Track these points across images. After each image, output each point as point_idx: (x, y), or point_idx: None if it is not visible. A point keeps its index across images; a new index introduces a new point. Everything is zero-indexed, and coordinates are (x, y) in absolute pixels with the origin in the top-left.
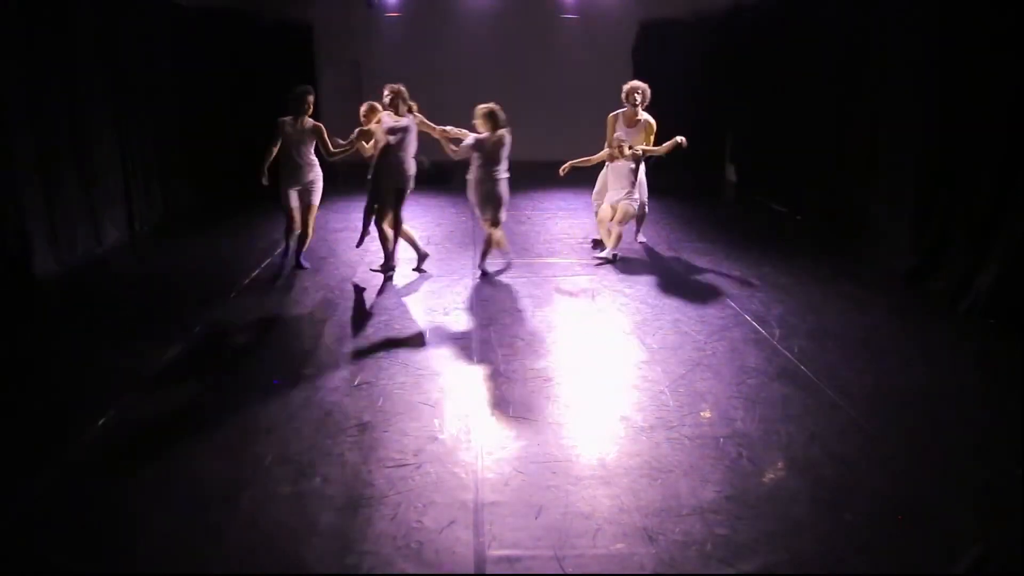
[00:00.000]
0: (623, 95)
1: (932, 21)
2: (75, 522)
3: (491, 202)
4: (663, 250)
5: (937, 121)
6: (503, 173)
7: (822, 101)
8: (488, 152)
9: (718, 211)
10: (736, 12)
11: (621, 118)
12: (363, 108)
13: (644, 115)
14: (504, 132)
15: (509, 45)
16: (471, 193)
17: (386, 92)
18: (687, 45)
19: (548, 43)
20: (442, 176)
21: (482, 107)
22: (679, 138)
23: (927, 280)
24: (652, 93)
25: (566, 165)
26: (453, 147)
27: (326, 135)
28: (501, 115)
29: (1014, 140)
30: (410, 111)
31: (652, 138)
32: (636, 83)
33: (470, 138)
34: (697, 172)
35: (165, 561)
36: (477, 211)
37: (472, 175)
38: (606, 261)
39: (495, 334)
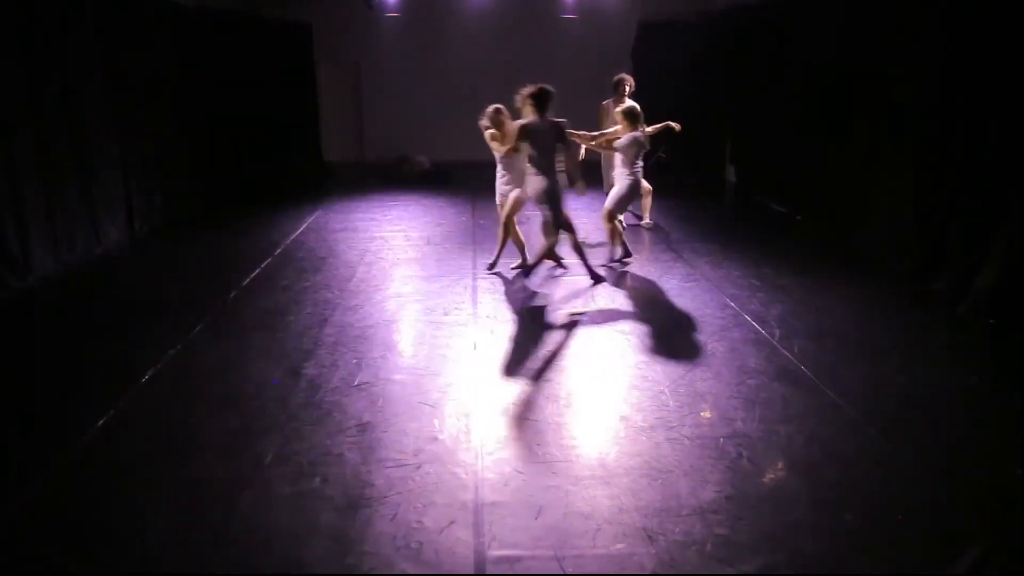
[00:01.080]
0: (614, 85)
1: (932, 20)
2: (75, 522)
3: (638, 195)
4: (663, 250)
5: (937, 121)
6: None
7: (822, 101)
8: (640, 148)
9: (718, 211)
10: (736, 12)
11: (611, 105)
12: (490, 111)
13: (630, 102)
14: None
15: (509, 45)
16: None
17: (525, 95)
18: (687, 45)
19: (548, 43)
20: (442, 176)
21: (626, 106)
22: (672, 123)
23: (927, 280)
24: (652, 93)
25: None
26: (612, 146)
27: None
28: (640, 113)
29: (1014, 140)
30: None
31: None
32: (624, 75)
33: (628, 136)
34: (697, 172)
35: (165, 561)
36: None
37: (622, 170)
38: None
39: (495, 334)
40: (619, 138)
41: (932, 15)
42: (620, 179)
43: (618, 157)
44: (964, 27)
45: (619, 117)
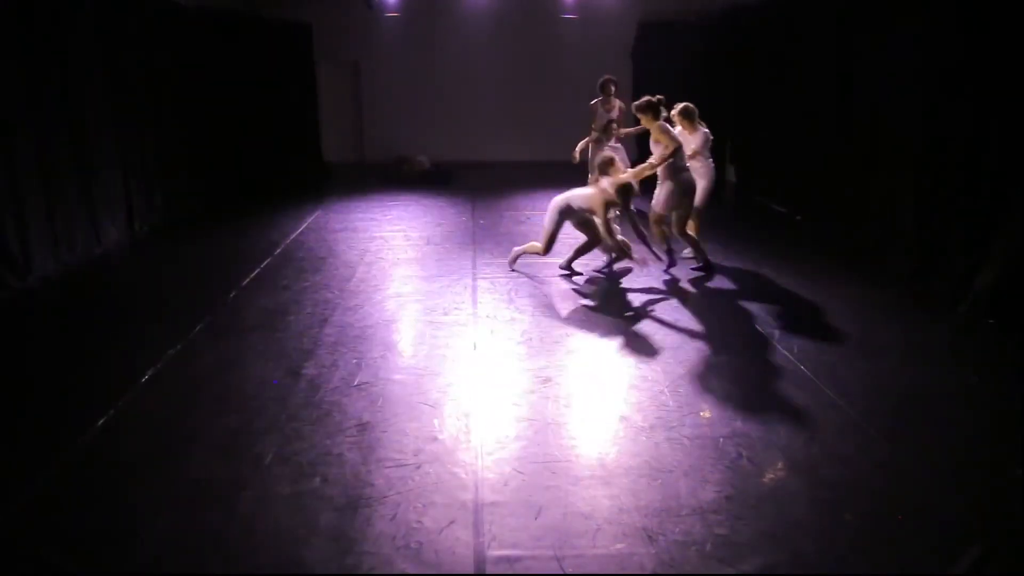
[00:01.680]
0: (600, 86)
1: (932, 21)
2: (75, 522)
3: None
4: (663, 250)
5: (937, 121)
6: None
7: (822, 101)
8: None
9: (718, 211)
10: (736, 12)
11: (599, 106)
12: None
13: (617, 101)
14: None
15: (509, 45)
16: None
17: (680, 107)
18: (687, 45)
19: (548, 43)
20: (442, 176)
21: (682, 107)
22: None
23: (927, 280)
24: (651, 93)
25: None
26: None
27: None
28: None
29: (1014, 140)
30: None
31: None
32: (609, 76)
33: (701, 136)
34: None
35: (165, 561)
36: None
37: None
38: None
39: (495, 334)
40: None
41: (932, 15)
42: (700, 176)
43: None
44: (964, 26)
45: (678, 119)
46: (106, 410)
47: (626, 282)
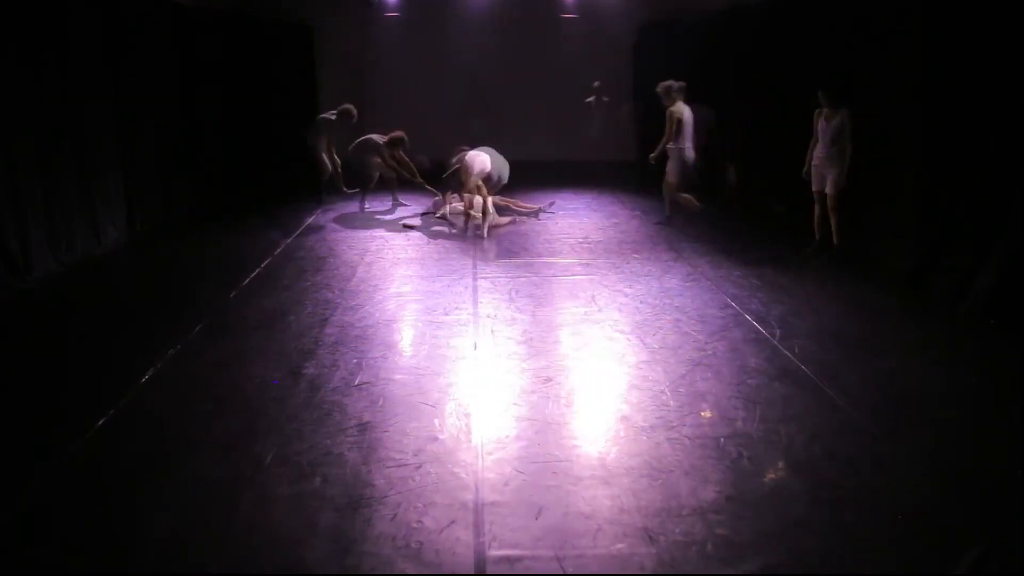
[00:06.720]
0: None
1: (933, 21)
2: (75, 522)
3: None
4: (664, 249)
5: (937, 121)
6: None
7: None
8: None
9: (718, 211)
10: (737, 12)
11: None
12: None
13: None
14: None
15: (509, 45)
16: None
17: None
18: (687, 45)
19: (548, 43)
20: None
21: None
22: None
23: (927, 280)
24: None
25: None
26: None
27: None
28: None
29: (1014, 140)
30: None
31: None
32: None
33: None
34: (697, 172)
35: (165, 561)
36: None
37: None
38: None
39: (495, 334)
40: None
41: (933, 15)
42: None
43: None
44: (965, 26)
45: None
46: (106, 410)
47: (626, 282)
